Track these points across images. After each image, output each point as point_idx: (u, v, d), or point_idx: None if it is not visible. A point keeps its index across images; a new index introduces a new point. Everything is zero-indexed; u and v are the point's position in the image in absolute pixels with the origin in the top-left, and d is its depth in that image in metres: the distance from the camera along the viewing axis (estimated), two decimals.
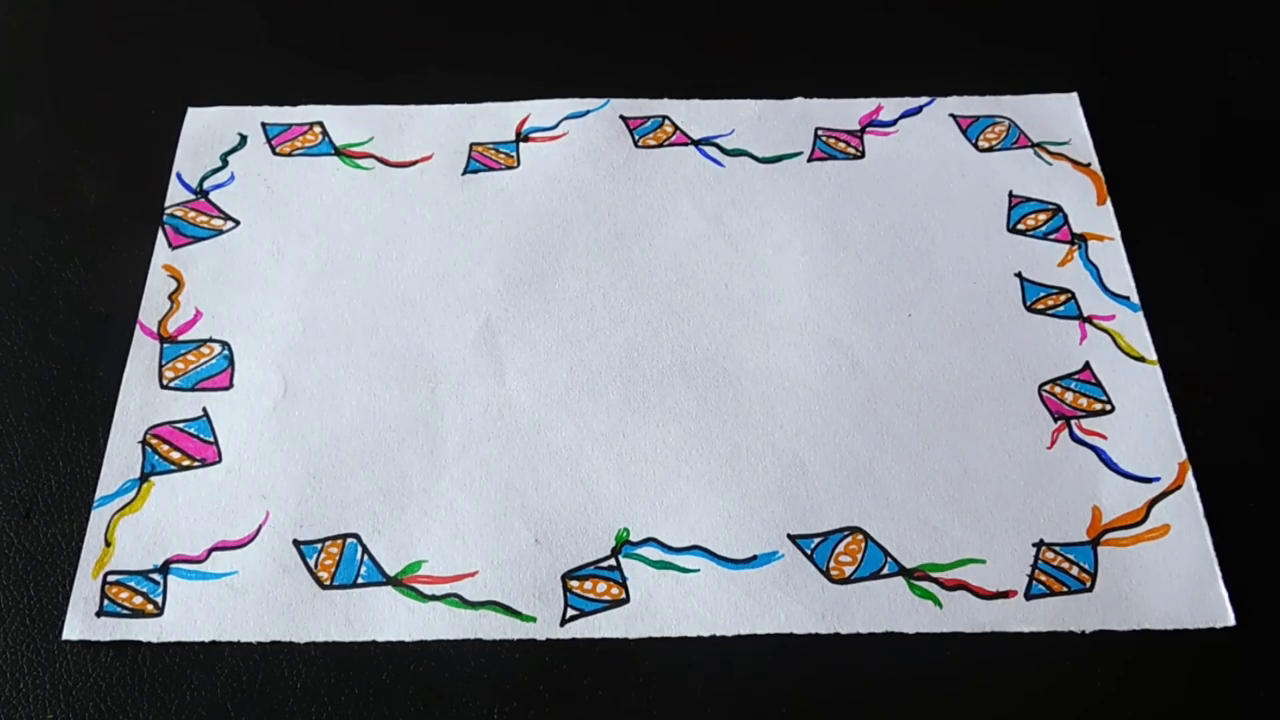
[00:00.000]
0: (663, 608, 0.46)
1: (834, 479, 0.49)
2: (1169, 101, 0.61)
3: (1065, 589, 0.46)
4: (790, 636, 0.45)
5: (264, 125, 0.61)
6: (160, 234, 0.56)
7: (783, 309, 0.54)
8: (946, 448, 0.49)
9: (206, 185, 0.58)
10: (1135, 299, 0.54)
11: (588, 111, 0.61)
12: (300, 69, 0.63)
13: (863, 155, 0.59)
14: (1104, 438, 0.50)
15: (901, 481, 0.49)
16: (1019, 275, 0.55)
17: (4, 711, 0.43)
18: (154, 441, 0.50)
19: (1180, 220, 0.57)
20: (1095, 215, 0.57)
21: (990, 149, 0.59)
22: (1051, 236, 0.56)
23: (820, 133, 0.60)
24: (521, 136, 0.60)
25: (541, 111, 0.61)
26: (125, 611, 0.45)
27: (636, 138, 0.60)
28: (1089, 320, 0.53)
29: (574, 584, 0.46)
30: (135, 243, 0.56)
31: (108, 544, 0.47)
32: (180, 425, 0.50)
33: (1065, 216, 0.57)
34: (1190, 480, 0.48)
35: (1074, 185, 0.58)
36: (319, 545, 0.47)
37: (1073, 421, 0.50)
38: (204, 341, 0.53)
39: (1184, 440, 0.50)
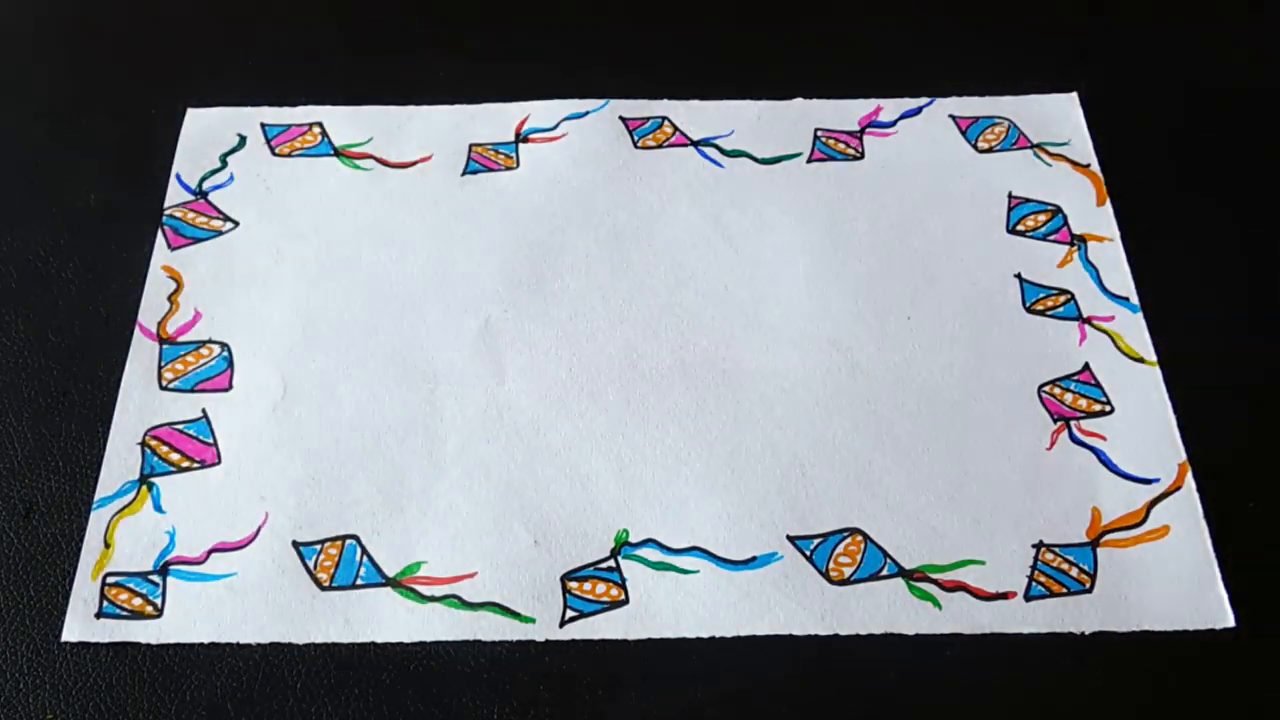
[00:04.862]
0: (662, 609, 0.46)
1: (833, 480, 0.49)
2: (1169, 102, 0.61)
3: (1065, 590, 0.46)
4: (790, 637, 0.45)
5: (263, 126, 0.61)
6: (160, 235, 0.56)
7: (782, 310, 0.54)
8: (946, 449, 0.49)
9: (206, 186, 0.58)
10: (1135, 300, 0.54)
11: (587, 112, 0.61)
12: (300, 69, 0.63)
13: (862, 156, 0.59)
14: (1103, 439, 0.50)
15: (901, 482, 0.49)
16: (1018, 276, 0.55)
17: (4, 711, 0.43)
18: (153, 443, 0.50)
19: (1179, 221, 0.57)
20: (1095, 216, 0.57)
21: (990, 150, 0.59)
22: (1051, 237, 0.56)
23: (820, 134, 0.60)
24: (521, 137, 0.60)
25: (541, 112, 0.61)
26: (125, 613, 0.45)
27: (636, 139, 0.60)
28: (1088, 321, 0.53)
29: (573, 585, 0.46)
30: (135, 243, 0.56)
31: (107, 545, 0.47)
32: (179, 427, 0.50)
33: (1065, 217, 0.57)
34: (1190, 481, 0.48)
35: (1073, 186, 0.58)
36: (318, 546, 0.47)
37: (1072, 423, 0.50)
38: (203, 343, 0.53)
39: (1183, 441, 0.50)
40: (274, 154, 0.60)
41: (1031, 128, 0.60)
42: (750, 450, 0.49)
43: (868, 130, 0.60)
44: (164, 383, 0.52)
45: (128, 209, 0.57)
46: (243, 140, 0.60)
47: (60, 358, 0.52)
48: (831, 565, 0.47)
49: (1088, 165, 0.59)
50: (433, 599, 0.46)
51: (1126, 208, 0.57)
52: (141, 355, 0.52)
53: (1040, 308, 0.54)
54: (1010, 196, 0.58)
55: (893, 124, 0.61)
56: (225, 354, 0.52)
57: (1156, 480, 0.49)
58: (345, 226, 0.57)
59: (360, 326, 0.53)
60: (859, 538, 0.47)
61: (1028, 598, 0.46)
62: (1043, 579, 0.46)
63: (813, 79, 0.62)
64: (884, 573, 0.46)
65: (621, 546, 0.47)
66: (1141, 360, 0.52)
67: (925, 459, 0.49)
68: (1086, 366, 0.52)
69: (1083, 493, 0.48)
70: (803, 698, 0.44)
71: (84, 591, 0.46)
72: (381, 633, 0.45)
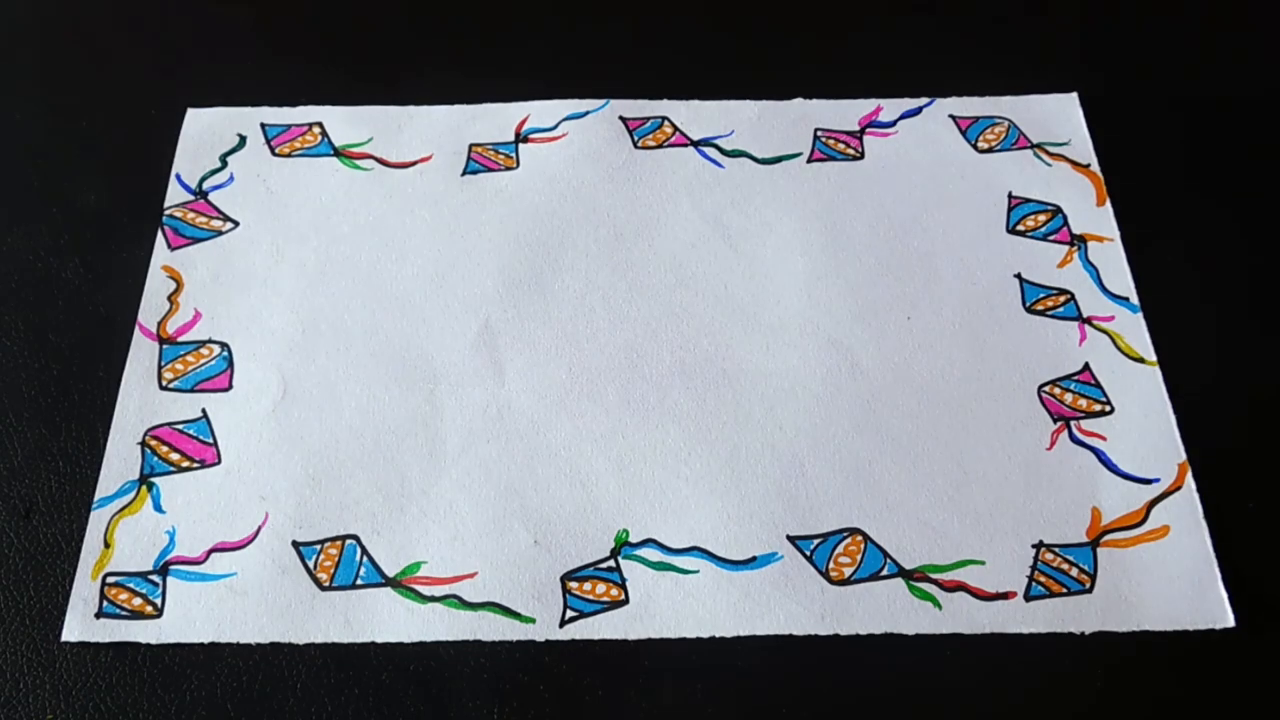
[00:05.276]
0: (662, 609, 0.46)
1: (833, 480, 0.49)
2: (1169, 102, 0.61)
3: (1065, 590, 0.46)
4: (789, 638, 0.45)
5: (263, 126, 0.61)
6: (160, 235, 0.56)
7: (782, 310, 0.54)
8: (946, 449, 0.49)
9: (206, 186, 0.58)
10: (1135, 300, 0.54)
11: (587, 112, 0.61)
12: (300, 69, 0.63)
13: (862, 156, 0.59)
14: (1103, 439, 0.50)
15: (901, 483, 0.49)
16: (1018, 276, 0.55)
17: (4, 711, 0.43)
18: (153, 443, 0.50)
19: (1180, 221, 0.57)
20: (1095, 216, 0.57)
21: (990, 150, 0.59)
22: (1051, 237, 0.56)
23: (820, 133, 0.60)
24: (521, 137, 0.60)
25: (541, 112, 0.61)
26: (124, 613, 0.45)
27: (636, 139, 0.60)
28: (1088, 321, 0.53)
29: (573, 585, 0.46)
30: (135, 243, 0.56)
31: (107, 545, 0.47)
32: (179, 426, 0.50)
33: (1065, 217, 0.57)
34: (1190, 481, 0.48)
35: (1073, 186, 0.58)
36: (318, 546, 0.47)
37: (1072, 423, 0.50)
38: (203, 343, 0.53)
39: (1183, 441, 0.50)
40: (274, 154, 0.60)
41: (1031, 128, 0.60)
42: (750, 450, 0.49)
43: (868, 130, 0.60)
44: (164, 383, 0.52)
45: (128, 209, 0.57)
46: (243, 140, 0.60)
47: (60, 358, 0.52)
48: (831, 565, 0.47)
49: (1088, 165, 0.59)
50: (433, 599, 0.46)
51: (1126, 208, 0.57)
52: (141, 355, 0.52)
53: (1040, 308, 0.54)
54: (1010, 196, 0.58)
55: (893, 124, 0.61)
56: (225, 354, 0.52)
57: (1156, 480, 0.49)
58: (345, 227, 0.57)
59: (360, 326, 0.53)
60: (859, 538, 0.47)
61: (1028, 598, 0.46)
62: (1043, 579, 0.46)
63: (813, 79, 0.62)
64: (884, 573, 0.46)
65: (621, 546, 0.47)
66: (1141, 360, 0.52)
67: (925, 459, 0.49)
68: (1086, 366, 0.52)
69: (1083, 493, 0.48)
70: (803, 698, 0.44)
71: (84, 591, 0.46)
72: (381, 633, 0.45)
